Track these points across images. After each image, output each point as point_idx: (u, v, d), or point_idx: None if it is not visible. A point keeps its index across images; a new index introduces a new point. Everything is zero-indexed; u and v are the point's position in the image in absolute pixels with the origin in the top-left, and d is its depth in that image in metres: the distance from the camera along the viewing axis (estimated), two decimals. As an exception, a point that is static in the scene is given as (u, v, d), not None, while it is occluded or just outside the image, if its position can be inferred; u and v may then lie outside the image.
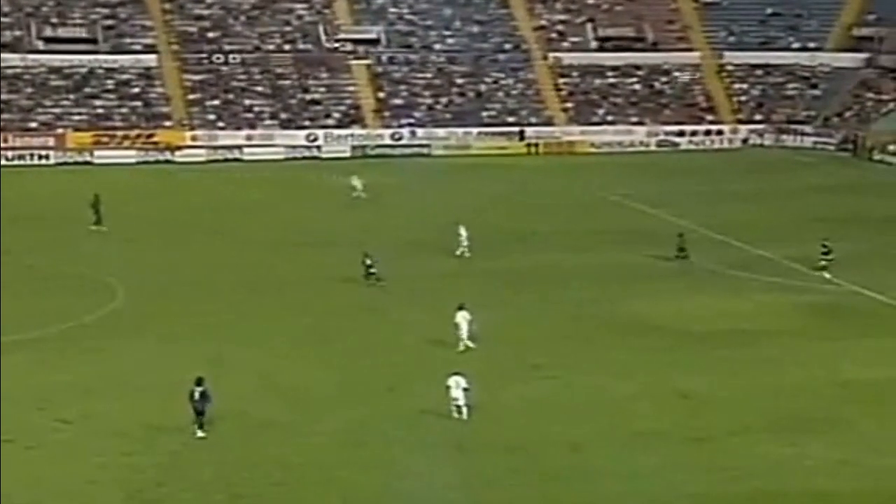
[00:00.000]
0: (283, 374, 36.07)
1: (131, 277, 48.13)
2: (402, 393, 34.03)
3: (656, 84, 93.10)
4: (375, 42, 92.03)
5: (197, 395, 30.76)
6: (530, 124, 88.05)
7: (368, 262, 45.38)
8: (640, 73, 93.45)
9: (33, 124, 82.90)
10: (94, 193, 58.15)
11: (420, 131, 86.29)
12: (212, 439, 30.81)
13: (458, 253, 50.70)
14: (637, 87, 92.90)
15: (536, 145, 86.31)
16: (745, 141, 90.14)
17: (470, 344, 37.02)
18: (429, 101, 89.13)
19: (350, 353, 38.22)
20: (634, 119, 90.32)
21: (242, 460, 29.62)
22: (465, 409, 31.68)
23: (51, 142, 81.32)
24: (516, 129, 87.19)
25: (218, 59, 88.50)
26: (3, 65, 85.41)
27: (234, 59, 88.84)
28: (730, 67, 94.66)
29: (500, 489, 28.00)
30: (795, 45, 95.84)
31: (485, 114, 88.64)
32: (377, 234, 57.09)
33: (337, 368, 36.77)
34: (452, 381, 31.91)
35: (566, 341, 39.64)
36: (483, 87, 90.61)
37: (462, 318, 37.17)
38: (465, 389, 31.65)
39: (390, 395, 34.10)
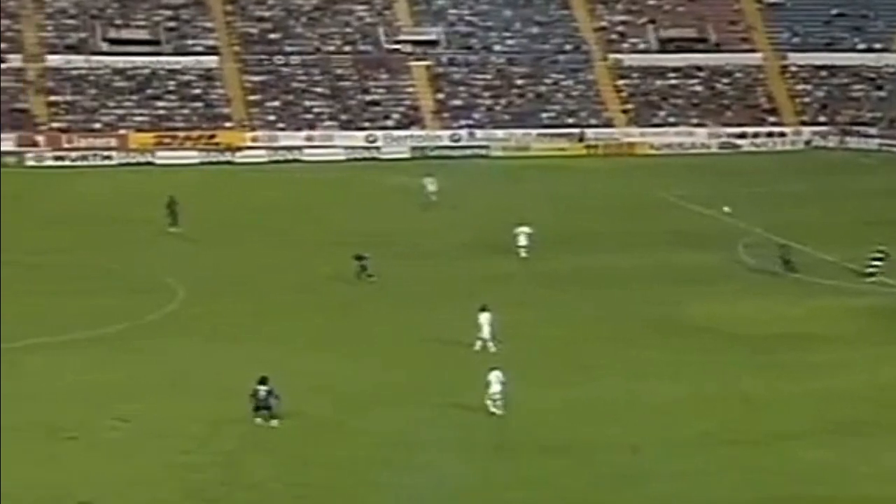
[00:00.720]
0: (337, 375, 36.55)
1: (192, 278, 48.85)
2: (451, 393, 34.41)
3: (718, 85, 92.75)
4: (435, 43, 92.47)
5: (262, 394, 31.61)
6: (589, 126, 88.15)
7: (363, 262, 46.44)
8: (701, 74, 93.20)
9: (97, 125, 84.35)
10: (170, 195, 58.86)
11: (479, 132, 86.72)
12: (269, 438, 31.34)
13: (520, 255, 50.87)
14: (698, 88, 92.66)
15: (596, 147, 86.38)
16: (807, 143, 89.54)
17: (490, 346, 37.35)
18: (488, 102, 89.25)
19: (400, 355, 38.70)
20: (695, 121, 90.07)
21: (298, 459, 30.06)
22: (500, 404, 32.39)
23: (113, 142, 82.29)
24: (576, 130, 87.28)
25: (278, 60, 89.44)
26: (68, 66, 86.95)
27: (294, 60, 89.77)
28: (793, 68, 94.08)
29: (549, 490, 28.27)
30: (861, 46, 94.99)
31: (544, 115, 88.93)
32: (434, 235, 57.53)
33: (388, 369, 37.22)
34: (493, 376, 32.62)
35: (617, 342, 39.84)
36: (542, 89, 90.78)
37: (484, 319, 37.48)
38: (502, 383, 32.37)
39: (439, 395, 34.51)
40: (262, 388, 31.72)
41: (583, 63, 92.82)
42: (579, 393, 34.67)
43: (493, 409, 32.33)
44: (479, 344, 37.36)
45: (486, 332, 37.33)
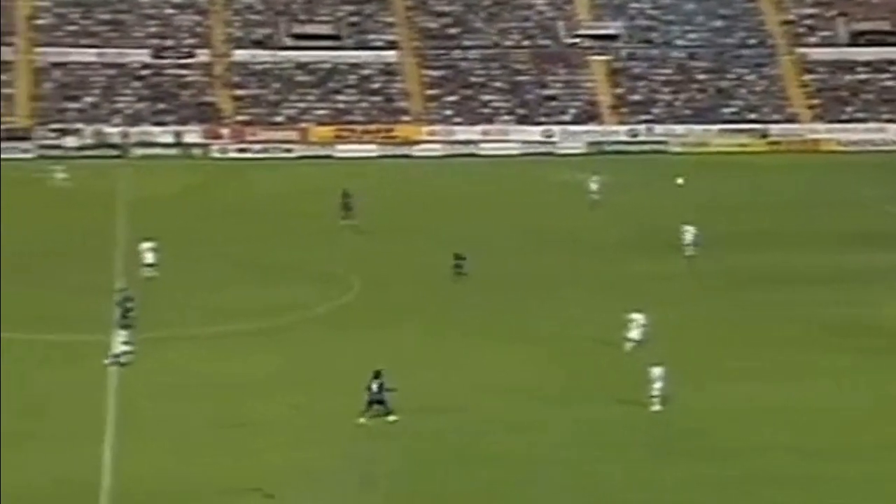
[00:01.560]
0: (501, 371, 36.78)
1: (366, 270, 49.67)
2: (613, 391, 34.42)
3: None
4: (615, 38, 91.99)
5: (375, 388, 31.85)
6: (773, 122, 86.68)
7: (458, 262, 46.73)
8: (894, 68, 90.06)
9: (279, 118, 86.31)
10: (344, 189, 59.45)
11: (657, 128, 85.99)
12: (435, 433, 31.73)
13: (686, 254, 50.66)
14: (890, 83, 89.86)
15: (779, 143, 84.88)
16: None
17: (633, 347, 37.48)
18: (667, 97, 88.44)
19: (563, 351, 38.93)
20: (886, 116, 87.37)
21: (463, 455, 30.44)
22: (660, 400, 32.66)
23: (294, 135, 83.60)
24: (758, 126, 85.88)
25: (457, 54, 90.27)
26: (253, 61, 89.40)
27: (472, 54, 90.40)
28: None
29: (717, 493, 28.18)
30: None
31: (726, 111, 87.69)
32: (605, 232, 57.35)
33: (551, 366, 37.46)
34: (656, 372, 32.77)
35: (790, 345, 39.24)
36: (724, 84, 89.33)
37: (636, 320, 37.84)
38: (663, 380, 32.62)
39: (601, 392, 34.59)
40: (376, 383, 31.95)
41: (767, 57, 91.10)
42: (750, 395, 34.25)
43: (653, 407, 32.69)
44: (628, 345, 37.71)
45: (635, 333, 37.63)
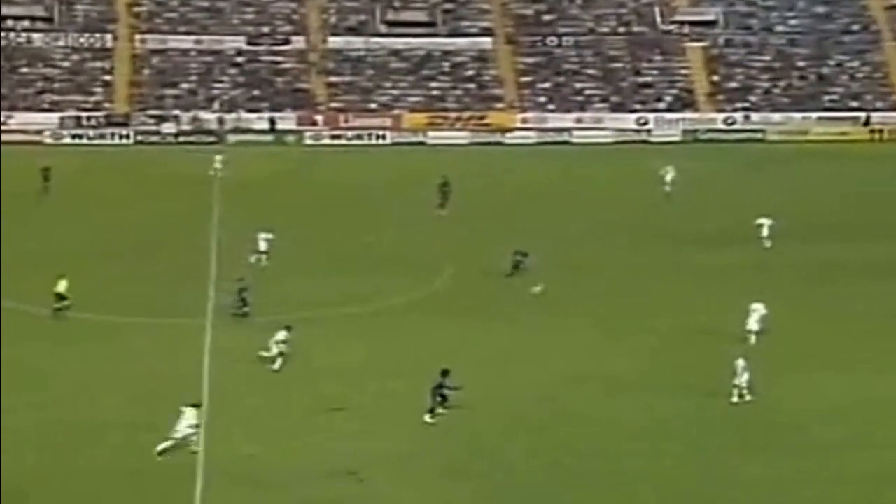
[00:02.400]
0: (587, 362, 37.12)
1: (460, 259, 49.87)
2: (706, 383, 34.52)
3: None
4: (713, 24, 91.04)
5: (443, 385, 32.46)
6: (875, 109, 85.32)
7: (518, 258, 46.62)
8: None
9: (372, 105, 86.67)
10: (443, 176, 59.21)
11: (755, 116, 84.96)
12: (526, 421, 32.22)
13: (765, 246, 50.91)
14: None
15: (881, 131, 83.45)
16: None
17: (752, 338, 37.74)
18: (766, 84, 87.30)
19: (647, 343, 39.10)
20: None
21: (555, 444, 30.95)
22: (745, 391, 33.02)
23: (388, 122, 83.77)
24: (860, 114, 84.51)
25: (551, 41, 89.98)
26: (348, 48, 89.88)
27: (567, 41, 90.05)
28: None
29: (809, 490, 28.44)
30: None
31: (826, 98, 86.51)
32: (690, 221, 56.90)
33: (636, 357, 37.49)
34: (740, 363, 33.04)
35: (876, 338, 39.00)
36: (825, 70, 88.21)
37: (755, 310, 38.23)
38: (748, 371, 32.94)
39: (695, 384, 34.78)
40: (444, 380, 32.55)
41: (870, 43, 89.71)
42: (838, 390, 34.51)
43: (735, 399, 32.86)
44: (751, 338, 38.11)
45: (752, 324, 38.06)
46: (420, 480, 28.94)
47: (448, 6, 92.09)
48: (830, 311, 41.89)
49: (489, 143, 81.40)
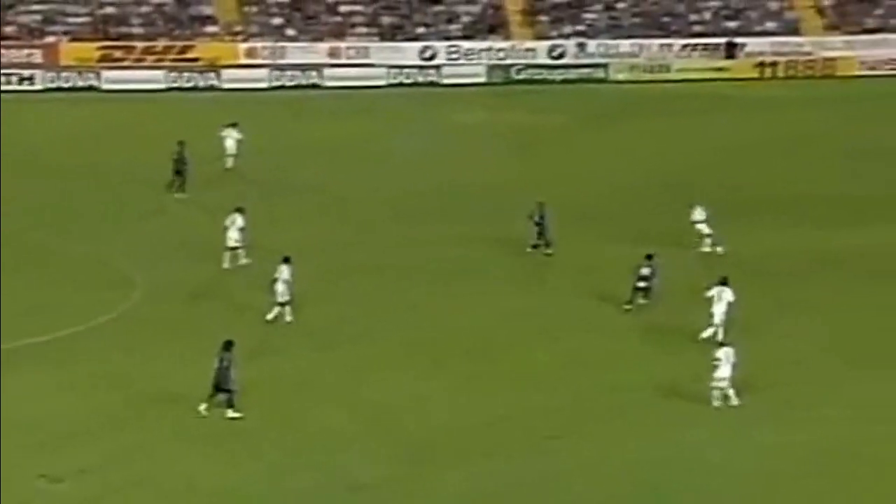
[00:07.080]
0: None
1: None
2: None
3: None
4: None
5: (216, 363, 31.71)
6: (761, 34, 75.10)
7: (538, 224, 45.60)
8: None
9: (9, 29, 70.93)
10: (179, 143, 49.17)
11: (592, 44, 74.21)
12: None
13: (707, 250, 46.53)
14: None
15: (774, 65, 73.89)
16: None
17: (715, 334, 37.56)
18: (604, -1, 77.90)
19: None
20: None
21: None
22: (731, 392, 31.99)
23: (37, 56, 69.49)
24: (744, 40, 74.23)
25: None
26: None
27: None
28: None
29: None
30: None
31: (693, 17, 75.25)
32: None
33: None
34: (722, 353, 32.29)
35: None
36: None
37: (718, 300, 37.48)
38: (733, 365, 32.28)
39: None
40: (224, 355, 31.76)
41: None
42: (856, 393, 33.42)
43: (715, 402, 32.20)
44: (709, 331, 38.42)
45: (717, 317, 37.63)
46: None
47: None
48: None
49: (195, 88, 70.08)
